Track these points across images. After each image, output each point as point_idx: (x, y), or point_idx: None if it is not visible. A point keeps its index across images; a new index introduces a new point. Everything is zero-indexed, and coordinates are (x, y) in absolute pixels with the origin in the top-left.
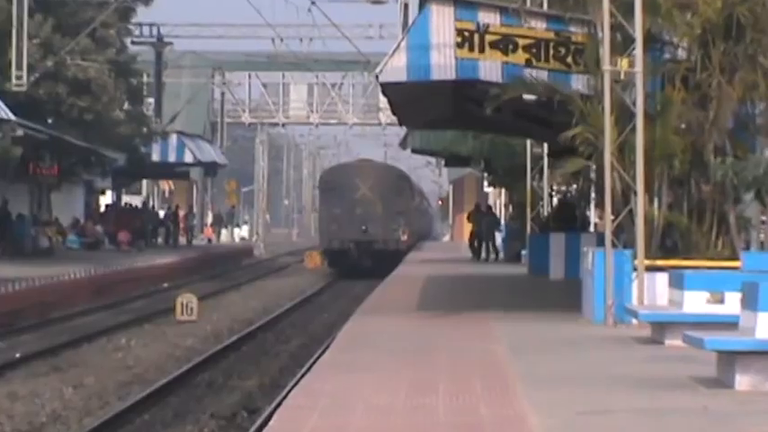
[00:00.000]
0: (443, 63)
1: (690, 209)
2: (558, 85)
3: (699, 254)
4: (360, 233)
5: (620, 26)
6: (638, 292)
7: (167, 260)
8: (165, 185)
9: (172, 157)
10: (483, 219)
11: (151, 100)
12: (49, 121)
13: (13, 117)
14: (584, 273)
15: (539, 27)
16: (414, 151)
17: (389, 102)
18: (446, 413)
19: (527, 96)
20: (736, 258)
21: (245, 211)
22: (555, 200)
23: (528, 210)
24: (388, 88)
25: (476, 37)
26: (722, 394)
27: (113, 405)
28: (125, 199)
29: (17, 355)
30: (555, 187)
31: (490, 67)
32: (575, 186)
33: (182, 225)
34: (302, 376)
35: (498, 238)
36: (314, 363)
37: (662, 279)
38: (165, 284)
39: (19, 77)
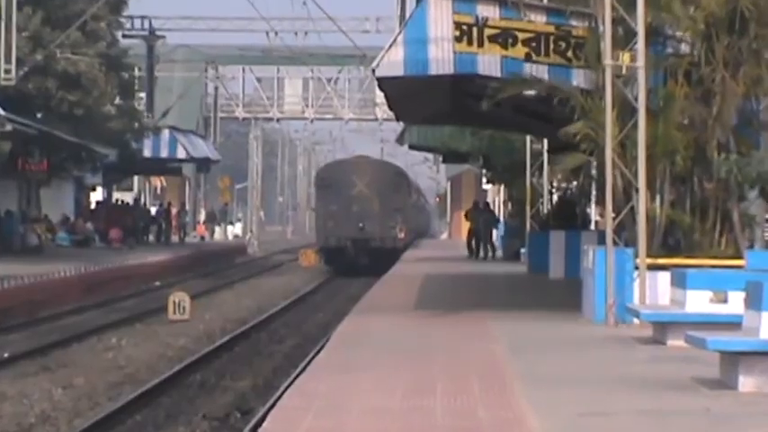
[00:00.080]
0: (441, 57)
1: (692, 206)
2: (559, 80)
3: (702, 252)
4: (356, 230)
5: (622, 20)
6: (639, 291)
7: (159, 258)
8: (157, 182)
9: (164, 153)
10: (481, 216)
11: (143, 94)
12: (39, 115)
13: (1, 112)
14: (585, 271)
15: (539, 20)
16: (411, 147)
17: (386, 97)
18: (443, 415)
19: (527, 91)
20: (739, 257)
21: (238, 209)
22: (555, 197)
23: (527, 207)
24: (384, 83)
25: (474, 30)
26: (725, 396)
27: (104, 406)
28: (116, 195)
29: (5, 355)
30: (555, 184)
31: (489, 62)
32: (575, 183)
33: (174, 222)
34: (296, 377)
35: (496, 235)
36: (308, 363)
37: (664, 278)
38: (157, 283)
39: (8, 71)
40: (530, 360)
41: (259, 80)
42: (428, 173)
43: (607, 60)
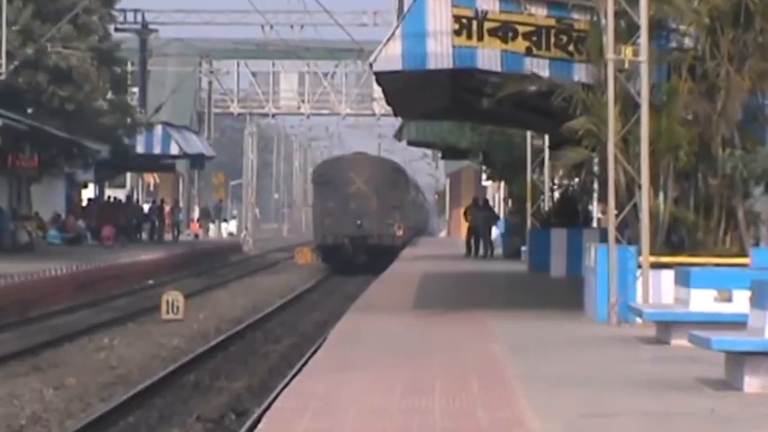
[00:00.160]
0: (440, 51)
1: (697, 203)
2: (560, 75)
3: (706, 250)
4: (354, 228)
5: (625, 13)
6: (642, 289)
7: (152, 256)
8: (150, 178)
9: (157, 149)
10: (480, 213)
11: (135, 89)
12: (29, 111)
13: None
14: (587, 270)
15: (539, 14)
16: (409, 143)
17: (384, 92)
18: (442, 416)
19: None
20: (744, 255)
21: (233, 206)
22: (556, 194)
23: (528, 204)
24: (382, 77)
25: (474, 24)
26: (730, 396)
27: (96, 407)
28: (108, 192)
29: None
30: (556, 181)
31: (489, 56)
32: (577, 180)
33: (167, 220)
34: (293, 377)
35: (495, 233)
36: (305, 363)
37: (667, 276)
38: (150, 281)
39: None
40: (530, 360)
41: (254, 75)
42: (427, 169)
43: (609, 54)
